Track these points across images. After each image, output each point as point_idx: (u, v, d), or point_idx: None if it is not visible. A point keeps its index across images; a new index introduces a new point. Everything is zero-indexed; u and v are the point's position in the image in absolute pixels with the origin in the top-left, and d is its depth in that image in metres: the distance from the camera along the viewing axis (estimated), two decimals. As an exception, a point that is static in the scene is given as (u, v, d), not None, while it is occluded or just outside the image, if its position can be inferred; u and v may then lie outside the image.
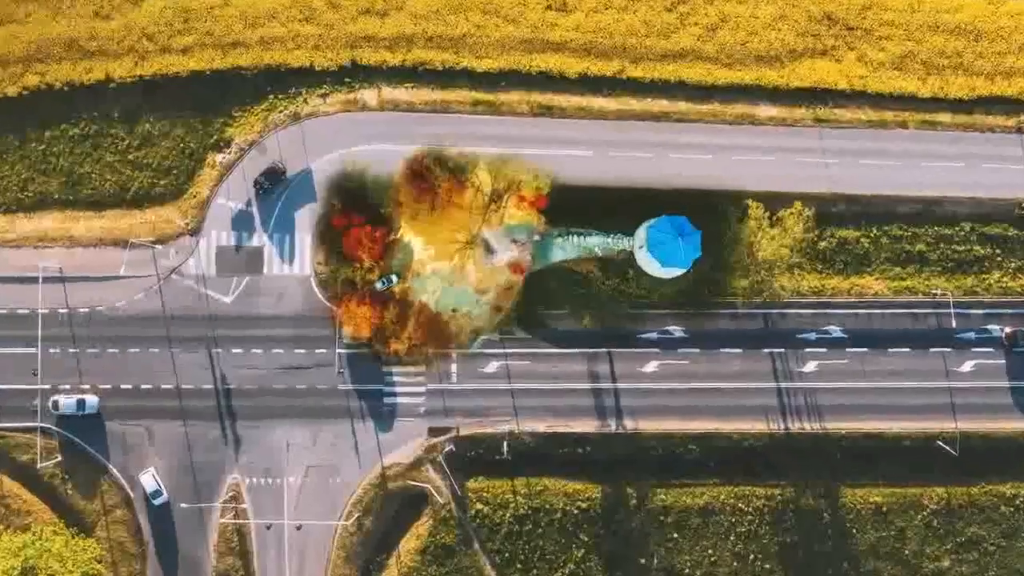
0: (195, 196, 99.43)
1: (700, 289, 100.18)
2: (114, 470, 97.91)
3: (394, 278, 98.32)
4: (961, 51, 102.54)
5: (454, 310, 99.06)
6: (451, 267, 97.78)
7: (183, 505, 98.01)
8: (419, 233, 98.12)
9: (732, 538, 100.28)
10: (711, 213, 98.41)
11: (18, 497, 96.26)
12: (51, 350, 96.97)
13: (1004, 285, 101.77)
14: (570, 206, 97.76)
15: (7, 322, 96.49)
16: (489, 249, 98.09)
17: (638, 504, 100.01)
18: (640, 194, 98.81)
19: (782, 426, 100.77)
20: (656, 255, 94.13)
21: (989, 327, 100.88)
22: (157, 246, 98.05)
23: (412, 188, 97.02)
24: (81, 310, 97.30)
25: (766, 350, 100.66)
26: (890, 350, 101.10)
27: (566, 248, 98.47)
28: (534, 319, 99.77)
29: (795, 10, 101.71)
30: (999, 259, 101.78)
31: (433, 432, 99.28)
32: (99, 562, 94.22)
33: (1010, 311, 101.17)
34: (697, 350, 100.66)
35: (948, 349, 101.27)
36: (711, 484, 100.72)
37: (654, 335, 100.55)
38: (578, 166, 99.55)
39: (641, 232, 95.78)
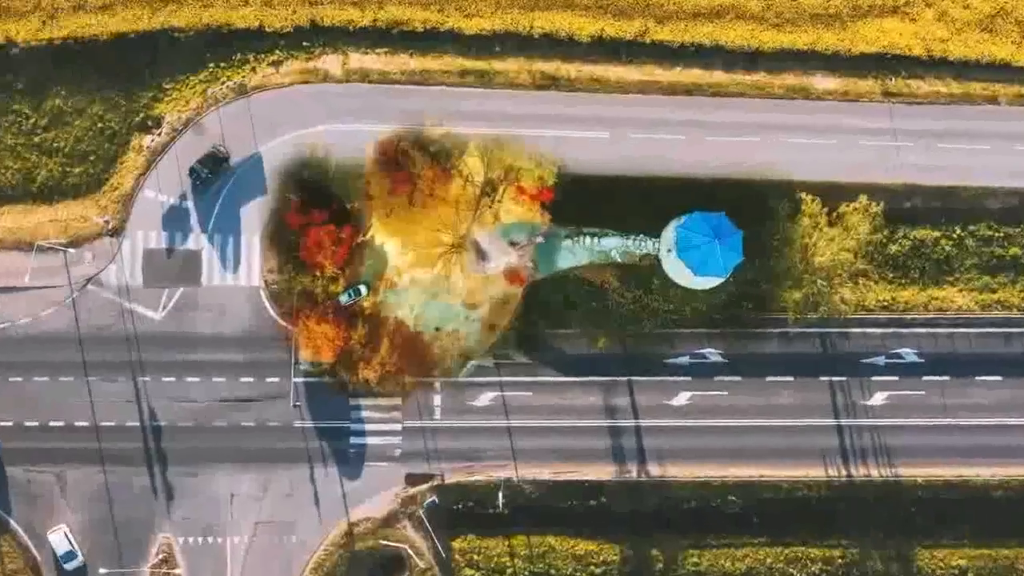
0: (117, 188, 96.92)
1: (742, 303, 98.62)
2: (17, 527, 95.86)
3: (363, 289, 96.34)
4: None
5: (437, 329, 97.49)
6: (434, 276, 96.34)
7: (103, 571, 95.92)
8: (394, 234, 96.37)
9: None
10: (755, 209, 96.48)
11: None
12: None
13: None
14: (581, 200, 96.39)
15: None
16: (481, 254, 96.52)
17: (666, 569, 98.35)
18: (668, 185, 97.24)
19: (843, 472, 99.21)
20: (688, 261, 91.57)
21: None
22: (70, 250, 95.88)
23: (386, 178, 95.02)
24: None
25: (824, 378, 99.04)
26: (977, 378, 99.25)
27: (576, 252, 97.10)
28: (537, 340, 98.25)
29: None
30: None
31: (412, 480, 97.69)
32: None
33: None
34: (738, 378, 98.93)
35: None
36: (756, 544, 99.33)
37: (685, 360, 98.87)
38: (591, 150, 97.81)
39: (669, 233, 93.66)
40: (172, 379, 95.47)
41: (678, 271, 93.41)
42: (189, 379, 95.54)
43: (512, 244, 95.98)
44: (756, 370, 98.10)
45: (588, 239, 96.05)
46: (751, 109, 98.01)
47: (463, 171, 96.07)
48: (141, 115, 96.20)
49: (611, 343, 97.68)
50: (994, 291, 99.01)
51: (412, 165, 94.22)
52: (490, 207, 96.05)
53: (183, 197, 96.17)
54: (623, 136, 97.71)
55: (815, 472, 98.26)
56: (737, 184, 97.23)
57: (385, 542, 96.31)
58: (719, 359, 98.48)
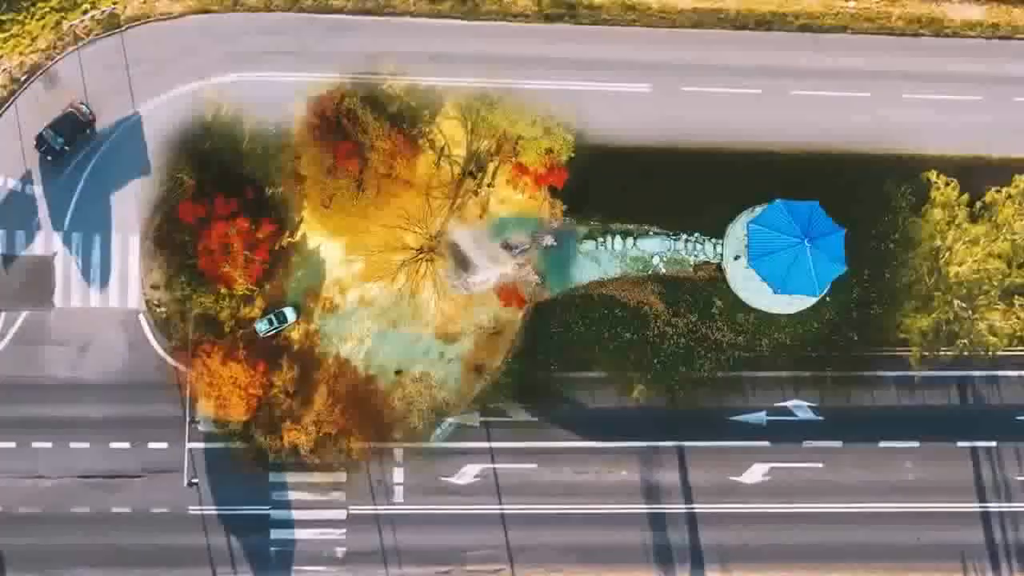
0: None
1: (843, 334, 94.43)
2: None
3: (290, 315, 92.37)
4: None
5: (399, 372, 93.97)
6: (393, 295, 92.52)
7: None
8: (336, 232, 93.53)
9: None
10: (864, 196, 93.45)
11: None
12: None
13: None
14: (609, 183, 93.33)
15: None
16: (463, 262, 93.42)
17: None
18: (736, 160, 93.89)
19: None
20: (765, 272, 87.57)
21: None
22: None
23: (324, 151, 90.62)
24: None
25: (963, 444, 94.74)
26: None
27: (602, 260, 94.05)
28: (544, 389, 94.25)
29: None
30: None
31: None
32: None
33: None
34: (838, 444, 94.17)
35: None
36: None
37: (761, 417, 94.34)
38: (624, 110, 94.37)
39: (738, 231, 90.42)
40: (11, 445, 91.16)
41: (751, 287, 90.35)
42: (36, 444, 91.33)
43: (508, 248, 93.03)
44: (864, 432, 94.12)
45: (619, 241, 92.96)
46: (857, 50, 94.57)
47: (437, 141, 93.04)
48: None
49: (653, 393, 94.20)
50: None
51: (362, 133, 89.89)
52: (476, 194, 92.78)
53: (27, 179, 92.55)
54: (670, 89, 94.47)
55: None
56: (836, 159, 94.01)
57: None
58: (810, 416, 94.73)
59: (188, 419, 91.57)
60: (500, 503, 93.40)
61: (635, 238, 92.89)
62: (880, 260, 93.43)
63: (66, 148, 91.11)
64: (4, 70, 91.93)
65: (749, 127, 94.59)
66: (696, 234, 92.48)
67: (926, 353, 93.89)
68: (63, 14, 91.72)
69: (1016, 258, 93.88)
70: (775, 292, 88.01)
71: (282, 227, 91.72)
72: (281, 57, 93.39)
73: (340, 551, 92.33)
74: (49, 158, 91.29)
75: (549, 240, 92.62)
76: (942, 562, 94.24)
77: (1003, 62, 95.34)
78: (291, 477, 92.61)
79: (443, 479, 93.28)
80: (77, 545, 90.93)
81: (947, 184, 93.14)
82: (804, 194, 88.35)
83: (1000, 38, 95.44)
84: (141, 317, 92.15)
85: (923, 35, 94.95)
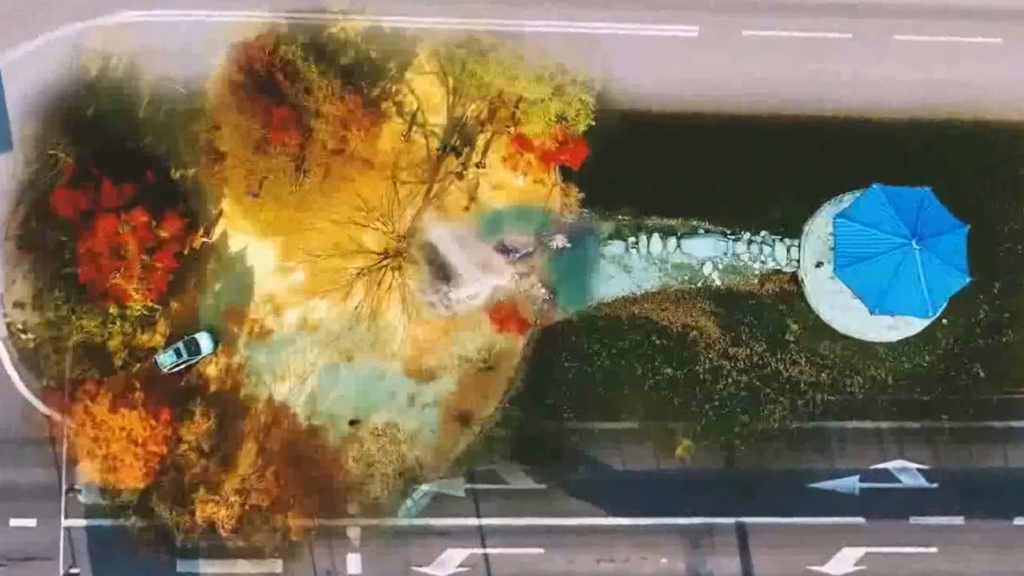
0: None
1: (964, 369, 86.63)
2: None
3: (205, 343, 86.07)
4: None
5: (354, 422, 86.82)
6: (347, 317, 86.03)
7: None
8: (268, 231, 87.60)
9: None
10: (992, 180, 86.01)
11: None
12: None
13: None
14: (644, 164, 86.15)
15: None
16: (443, 271, 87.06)
17: None
18: (816, 133, 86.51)
19: None
20: (857, 284, 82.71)
21: None
22: None
23: (250, 118, 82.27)
24: None
25: None
26: None
27: (634, 268, 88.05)
28: (553, 445, 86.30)
29: None
30: None
31: None
32: None
33: None
34: (958, 520, 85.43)
35: None
36: None
37: (852, 484, 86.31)
38: (662, 63, 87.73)
39: (820, 227, 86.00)
40: None
41: (838, 305, 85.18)
42: None
43: (505, 252, 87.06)
44: (993, 504, 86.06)
45: (657, 242, 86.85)
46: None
47: (406, 105, 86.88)
48: None
49: (704, 450, 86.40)
50: None
51: (304, 93, 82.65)
52: (461, 177, 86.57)
53: None
54: (726, 33, 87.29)
55: None
56: (956, 130, 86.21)
57: None
58: (919, 482, 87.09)
59: (65, 487, 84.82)
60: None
61: (679, 238, 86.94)
62: (1016, 268, 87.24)
63: None
64: None
65: (835, 86, 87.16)
66: (763, 233, 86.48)
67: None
68: None
69: None
70: (871, 312, 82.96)
71: (194, 223, 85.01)
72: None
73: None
74: None
75: (561, 241, 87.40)
76: None
77: None
78: (207, 566, 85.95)
79: (416, 569, 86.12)
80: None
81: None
82: (912, 178, 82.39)
83: None
84: (0, 346, 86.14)
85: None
